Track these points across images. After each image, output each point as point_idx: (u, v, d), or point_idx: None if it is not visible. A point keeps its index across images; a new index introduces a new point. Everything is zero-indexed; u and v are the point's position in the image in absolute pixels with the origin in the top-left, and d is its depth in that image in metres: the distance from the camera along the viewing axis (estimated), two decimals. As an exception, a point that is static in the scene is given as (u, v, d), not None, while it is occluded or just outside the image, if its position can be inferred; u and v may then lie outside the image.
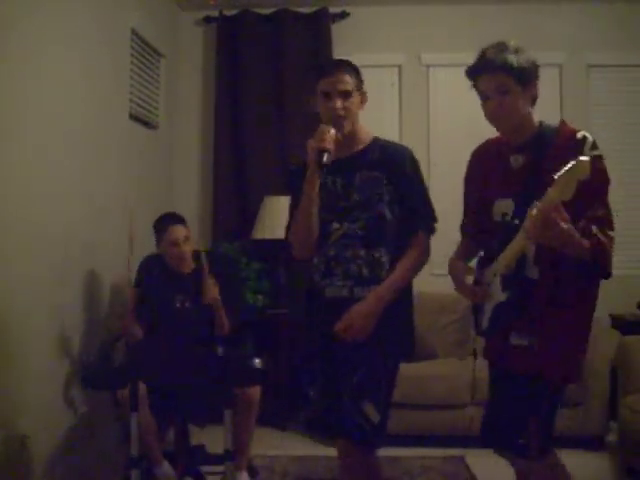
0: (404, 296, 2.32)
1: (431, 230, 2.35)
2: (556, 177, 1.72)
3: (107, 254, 3.63)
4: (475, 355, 2.29)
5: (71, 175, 3.27)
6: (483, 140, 2.30)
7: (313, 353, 2.38)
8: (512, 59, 2.00)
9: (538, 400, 2.04)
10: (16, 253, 2.79)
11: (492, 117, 2.08)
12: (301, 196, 2.26)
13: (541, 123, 2.09)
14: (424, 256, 2.32)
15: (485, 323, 2.15)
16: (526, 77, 2.03)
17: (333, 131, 2.19)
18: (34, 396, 2.90)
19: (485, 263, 2.16)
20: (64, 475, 3.12)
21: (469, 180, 2.32)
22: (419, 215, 2.32)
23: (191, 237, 3.40)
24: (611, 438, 3.83)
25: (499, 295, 2.07)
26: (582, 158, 1.70)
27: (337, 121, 2.23)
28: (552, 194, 1.75)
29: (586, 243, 1.88)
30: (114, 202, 3.76)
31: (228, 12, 4.89)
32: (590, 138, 1.98)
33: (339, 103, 2.23)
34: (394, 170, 2.29)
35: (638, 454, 3.27)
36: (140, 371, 2.97)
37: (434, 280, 4.61)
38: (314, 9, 4.84)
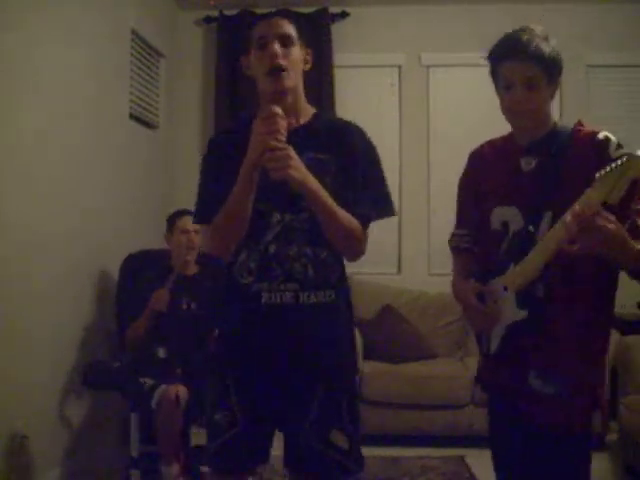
0: (346, 323, 1.93)
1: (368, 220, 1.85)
2: (598, 175, 1.52)
3: (108, 254, 3.63)
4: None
5: (71, 175, 3.27)
6: (483, 140, 2.05)
7: (246, 373, 1.86)
8: (545, 48, 1.76)
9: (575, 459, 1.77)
10: (17, 254, 2.79)
11: (513, 111, 1.82)
12: (225, 176, 1.75)
13: (555, 123, 1.88)
14: (362, 243, 1.84)
15: (494, 345, 1.87)
16: (556, 70, 1.80)
17: (284, 121, 1.67)
18: (34, 396, 2.90)
19: (483, 278, 1.89)
20: (64, 475, 3.12)
21: (466, 186, 2.06)
22: (375, 206, 1.85)
23: (199, 240, 3.29)
24: (611, 438, 3.83)
25: (514, 313, 1.81)
26: (639, 153, 1.49)
27: (276, 74, 1.76)
28: (592, 196, 1.53)
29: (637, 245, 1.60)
30: (114, 202, 3.76)
31: (228, 12, 4.88)
32: (614, 138, 1.76)
33: (278, 48, 1.76)
34: (346, 153, 1.83)
35: (638, 454, 3.27)
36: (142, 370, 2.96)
37: (434, 280, 4.64)
38: (314, 9, 4.83)
